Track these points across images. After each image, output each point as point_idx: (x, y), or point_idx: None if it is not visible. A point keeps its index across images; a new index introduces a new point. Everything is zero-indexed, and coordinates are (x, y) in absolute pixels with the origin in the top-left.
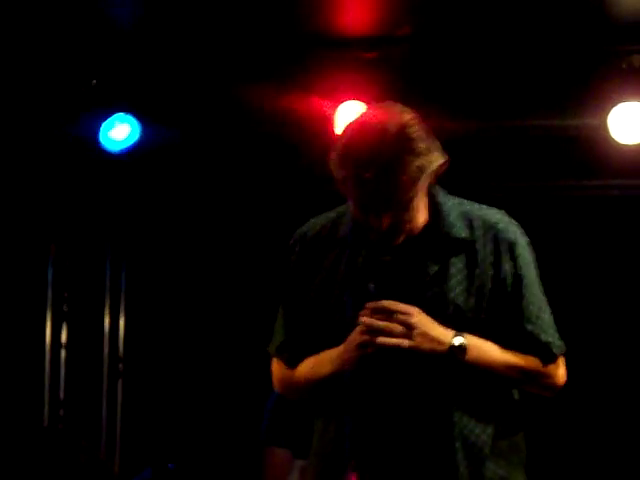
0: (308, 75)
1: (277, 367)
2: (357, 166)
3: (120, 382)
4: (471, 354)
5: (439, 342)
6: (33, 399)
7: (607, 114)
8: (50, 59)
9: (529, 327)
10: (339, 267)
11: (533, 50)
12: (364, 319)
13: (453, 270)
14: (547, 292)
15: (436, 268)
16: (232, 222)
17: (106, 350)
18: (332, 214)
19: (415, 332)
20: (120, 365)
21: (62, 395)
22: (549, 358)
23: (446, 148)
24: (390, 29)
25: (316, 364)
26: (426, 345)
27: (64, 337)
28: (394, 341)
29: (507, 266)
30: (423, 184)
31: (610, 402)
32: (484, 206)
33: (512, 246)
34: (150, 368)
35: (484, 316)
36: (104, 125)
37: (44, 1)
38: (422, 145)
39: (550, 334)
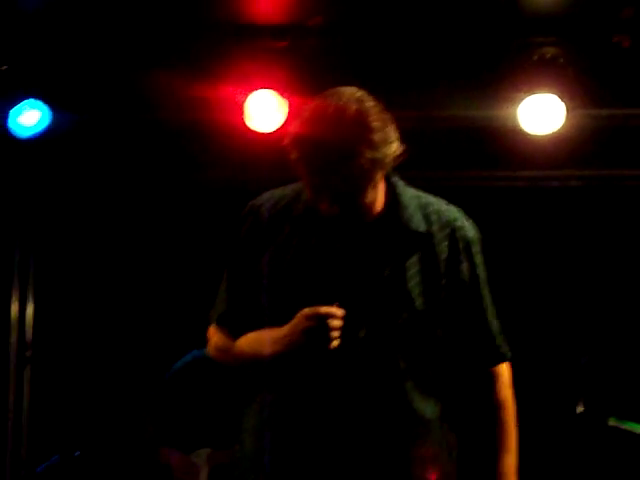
0: (219, 63)
1: (216, 335)
2: (310, 151)
3: (28, 369)
4: None
5: None
6: None
7: (518, 105)
8: None
9: (488, 328)
10: (290, 245)
11: (445, 41)
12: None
13: (409, 264)
14: None
15: (393, 262)
16: (140, 207)
17: (14, 337)
18: (288, 190)
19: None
20: (28, 352)
21: None
22: (499, 360)
23: None
24: (302, 18)
25: (257, 342)
26: None
27: None
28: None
29: (464, 265)
30: (377, 176)
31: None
32: (443, 201)
33: (469, 245)
34: (58, 355)
35: (436, 312)
36: (13, 111)
37: None
38: (379, 136)
39: (501, 338)
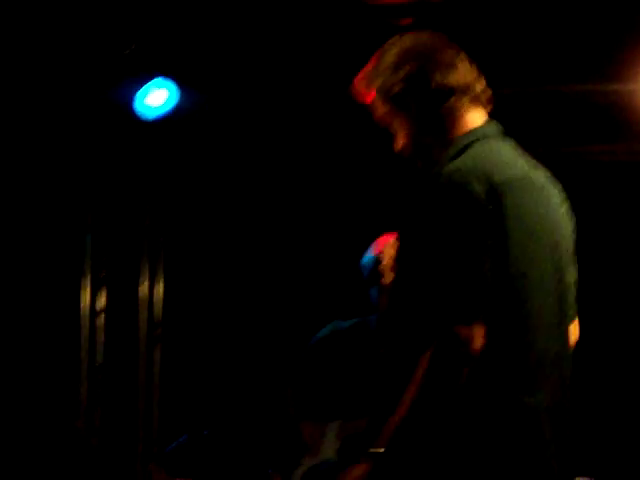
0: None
1: None
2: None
3: (158, 347)
4: None
5: None
6: (71, 364)
7: None
8: (88, 25)
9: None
10: None
11: (570, 15)
12: None
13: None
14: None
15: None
16: (267, 189)
17: (144, 315)
18: None
19: None
20: (158, 330)
21: (100, 360)
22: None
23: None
24: None
25: None
26: None
27: (102, 302)
28: None
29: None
30: (397, 107)
31: None
32: (528, 163)
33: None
34: (188, 334)
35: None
36: (140, 92)
37: None
38: (388, 67)
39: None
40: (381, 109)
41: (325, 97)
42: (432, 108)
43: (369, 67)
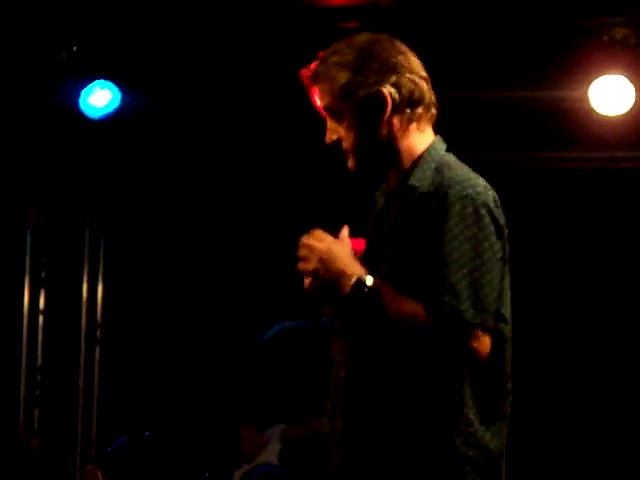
0: (292, 45)
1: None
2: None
3: (98, 349)
4: (378, 290)
5: (342, 275)
6: (10, 365)
7: (589, 86)
8: (31, 25)
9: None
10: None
11: (516, 21)
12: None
13: (398, 215)
14: (523, 260)
15: (390, 222)
16: (210, 189)
17: (84, 317)
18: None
19: (314, 256)
20: (98, 332)
21: (40, 361)
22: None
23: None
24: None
25: None
26: (326, 275)
27: (42, 303)
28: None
29: (438, 219)
30: (353, 108)
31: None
32: (472, 174)
33: (452, 203)
34: (127, 335)
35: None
36: (84, 91)
37: None
38: (350, 66)
39: (461, 299)
40: (335, 106)
41: (269, 98)
42: (397, 117)
43: (328, 60)
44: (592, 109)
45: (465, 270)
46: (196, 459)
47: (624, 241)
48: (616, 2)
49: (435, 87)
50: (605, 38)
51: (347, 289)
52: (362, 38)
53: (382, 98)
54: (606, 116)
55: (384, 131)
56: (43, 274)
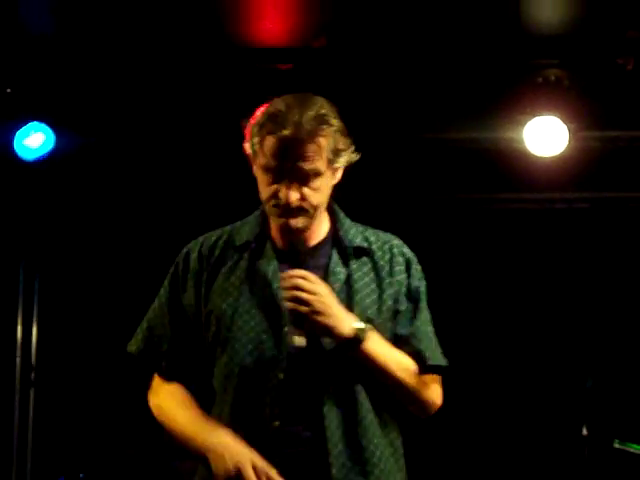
0: (225, 86)
1: (161, 387)
2: (280, 122)
3: (32, 391)
4: (370, 342)
5: (340, 319)
6: None
7: (523, 127)
8: None
9: (418, 338)
10: (237, 272)
11: (450, 63)
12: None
13: (357, 276)
14: (456, 305)
15: (343, 276)
16: (145, 230)
17: (18, 359)
18: (227, 228)
19: (317, 299)
20: (32, 374)
21: None
22: (428, 369)
23: (362, 161)
24: (306, 40)
25: (190, 429)
26: (326, 320)
27: None
28: (290, 305)
29: (403, 277)
30: (332, 170)
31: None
32: (379, 230)
33: (409, 260)
34: (62, 377)
35: (384, 322)
36: (18, 133)
37: None
38: (341, 125)
39: (432, 350)
40: (321, 166)
41: (201, 139)
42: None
43: (327, 121)
44: (526, 150)
45: (426, 325)
46: None
47: (558, 278)
48: (550, 44)
49: (367, 130)
50: (539, 80)
51: (344, 335)
52: (325, 100)
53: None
54: (541, 157)
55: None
56: None
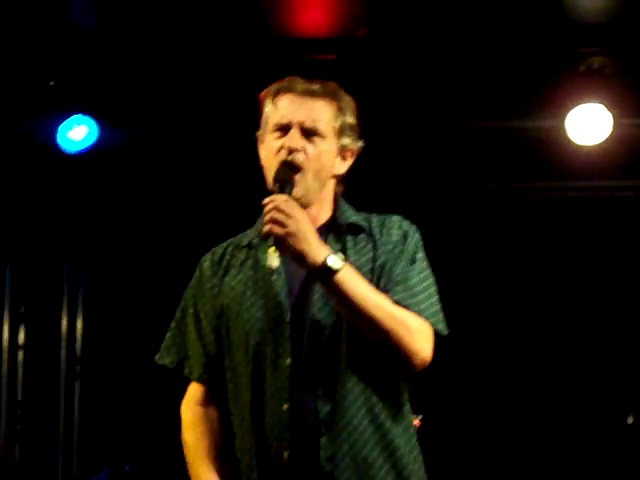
0: (268, 77)
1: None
2: (293, 83)
3: (77, 383)
4: (344, 273)
5: (314, 246)
6: None
7: (565, 115)
8: (8, 60)
9: (399, 295)
10: (244, 269)
11: (492, 52)
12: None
13: (351, 250)
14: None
15: (335, 247)
16: (189, 223)
17: (63, 352)
18: (235, 238)
19: (292, 221)
20: (77, 366)
21: (20, 396)
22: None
23: (402, 149)
24: (348, 30)
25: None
26: (300, 244)
27: (22, 338)
28: (267, 227)
29: (398, 245)
30: (337, 145)
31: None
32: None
33: (406, 232)
34: (107, 369)
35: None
36: (62, 126)
37: (3, 2)
38: (353, 111)
39: (423, 300)
40: (326, 130)
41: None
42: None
43: (345, 96)
44: (569, 138)
45: (432, 293)
46: None
47: (602, 267)
48: (593, 32)
49: (412, 118)
50: (582, 68)
51: (317, 263)
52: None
53: (357, 153)
54: (584, 145)
55: (335, 174)
56: (22, 309)
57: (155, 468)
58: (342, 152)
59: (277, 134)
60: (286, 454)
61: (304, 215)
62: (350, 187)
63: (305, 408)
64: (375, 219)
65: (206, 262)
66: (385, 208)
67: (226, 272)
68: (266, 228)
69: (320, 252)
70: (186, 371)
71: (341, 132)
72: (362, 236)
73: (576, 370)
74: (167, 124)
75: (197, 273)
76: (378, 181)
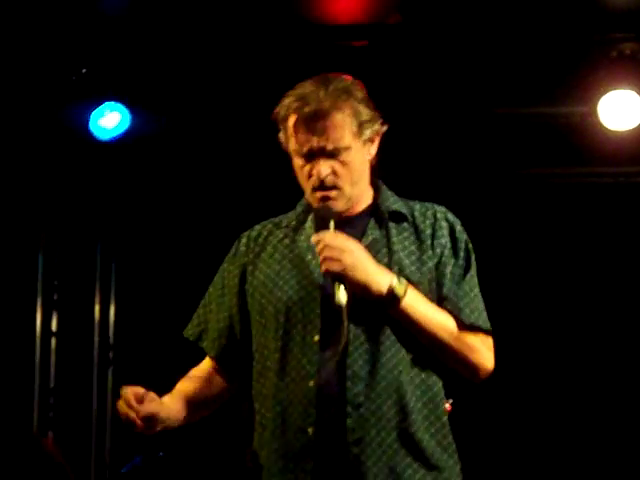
0: (299, 64)
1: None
2: (301, 101)
3: (110, 370)
4: (409, 298)
5: (375, 275)
6: (23, 387)
7: (597, 101)
8: (40, 47)
9: (449, 301)
10: (280, 248)
11: (524, 38)
12: None
13: (395, 238)
14: (536, 277)
15: (378, 236)
16: (222, 210)
17: (96, 338)
18: (276, 218)
19: (347, 255)
20: (110, 353)
21: (52, 383)
22: (468, 327)
23: (435, 136)
24: (381, 17)
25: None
26: (360, 275)
27: (54, 325)
28: (324, 266)
29: (446, 241)
30: (361, 142)
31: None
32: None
33: (452, 226)
34: (140, 356)
35: (425, 284)
36: (94, 113)
37: None
38: (366, 102)
39: (474, 310)
40: (347, 141)
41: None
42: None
43: (348, 93)
44: (601, 124)
45: (477, 293)
46: (210, 478)
47: (636, 255)
48: (624, 17)
49: (443, 105)
50: (614, 53)
51: (380, 293)
52: (347, 75)
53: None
54: (616, 131)
55: (370, 165)
56: (55, 296)
57: (188, 455)
58: (367, 143)
59: (300, 159)
60: (311, 430)
61: (357, 246)
62: (382, 174)
63: (332, 387)
64: (417, 207)
65: (243, 239)
66: (416, 195)
67: (262, 249)
68: (323, 268)
69: (382, 280)
70: (203, 344)
71: (361, 130)
72: (405, 225)
73: (614, 369)
74: (199, 111)
75: (233, 249)
76: (409, 168)
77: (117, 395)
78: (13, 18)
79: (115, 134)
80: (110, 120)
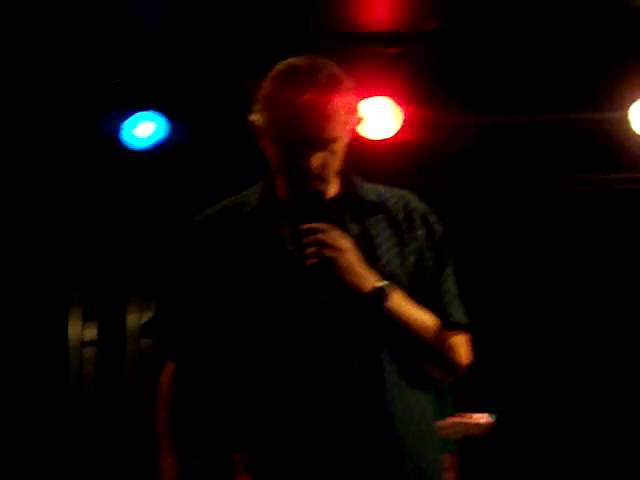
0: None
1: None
2: (296, 84)
3: (147, 380)
4: (393, 301)
5: (363, 277)
6: (59, 397)
7: (629, 107)
8: (74, 56)
9: (440, 294)
10: (248, 238)
11: (556, 43)
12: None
13: (374, 232)
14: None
15: (357, 231)
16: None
17: (132, 347)
18: (231, 198)
19: (341, 255)
20: (147, 362)
21: (89, 393)
22: (451, 325)
23: (470, 141)
24: (416, 24)
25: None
26: (349, 277)
27: (90, 335)
28: (313, 262)
29: (421, 232)
30: (347, 131)
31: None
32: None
33: (425, 215)
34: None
35: (405, 276)
36: (127, 123)
37: None
38: (353, 89)
39: (454, 307)
40: (335, 126)
41: None
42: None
43: (338, 82)
44: (632, 131)
45: (448, 279)
46: None
47: None
48: None
49: (475, 110)
50: None
51: (365, 294)
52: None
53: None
54: None
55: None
56: (90, 306)
57: (219, 464)
58: (350, 132)
59: (285, 145)
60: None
61: (351, 246)
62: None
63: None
64: (388, 195)
65: (197, 229)
66: (446, 200)
67: (223, 240)
68: (311, 262)
69: (368, 282)
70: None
71: (348, 119)
72: (380, 217)
73: (606, 365)
74: (234, 120)
75: (185, 240)
76: (436, 176)
77: (154, 405)
78: (50, 27)
79: (149, 144)
80: (144, 129)
